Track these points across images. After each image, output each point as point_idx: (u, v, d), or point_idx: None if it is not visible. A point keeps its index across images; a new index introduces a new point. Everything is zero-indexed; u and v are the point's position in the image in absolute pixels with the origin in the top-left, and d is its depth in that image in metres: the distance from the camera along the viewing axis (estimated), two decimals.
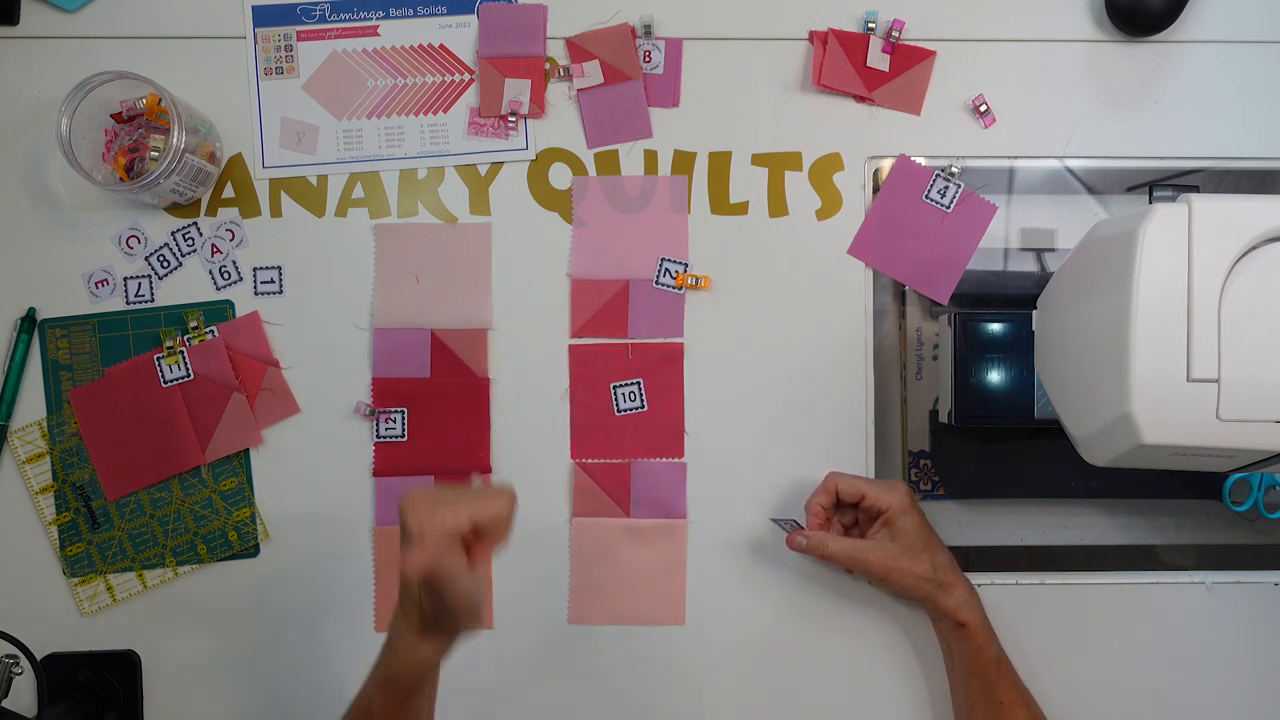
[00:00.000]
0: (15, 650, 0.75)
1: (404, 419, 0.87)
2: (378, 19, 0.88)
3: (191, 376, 0.87)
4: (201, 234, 0.88)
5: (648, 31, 0.87)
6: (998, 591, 0.86)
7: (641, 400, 0.88)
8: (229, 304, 0.88)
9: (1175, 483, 0.99)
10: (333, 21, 0.88)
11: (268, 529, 0.88)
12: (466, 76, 0.88)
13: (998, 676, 0.80)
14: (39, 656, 0.79)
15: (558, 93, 0.89)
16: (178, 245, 0.88)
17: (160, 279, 0.88)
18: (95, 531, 0.87)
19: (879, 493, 0.81)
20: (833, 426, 0.88)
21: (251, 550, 0.88)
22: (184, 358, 0.87)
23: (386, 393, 0.87)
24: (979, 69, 0.88)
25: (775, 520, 0.85)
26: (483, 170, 0.89)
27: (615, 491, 0.88)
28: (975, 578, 0.84)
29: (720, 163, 0.88)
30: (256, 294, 0.88)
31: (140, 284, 0.88)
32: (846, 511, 0.85)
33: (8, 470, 0.87)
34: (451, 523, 0.65)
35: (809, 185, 0.88)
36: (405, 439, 0.87)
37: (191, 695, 0.87)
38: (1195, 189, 0.71)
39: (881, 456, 0.92)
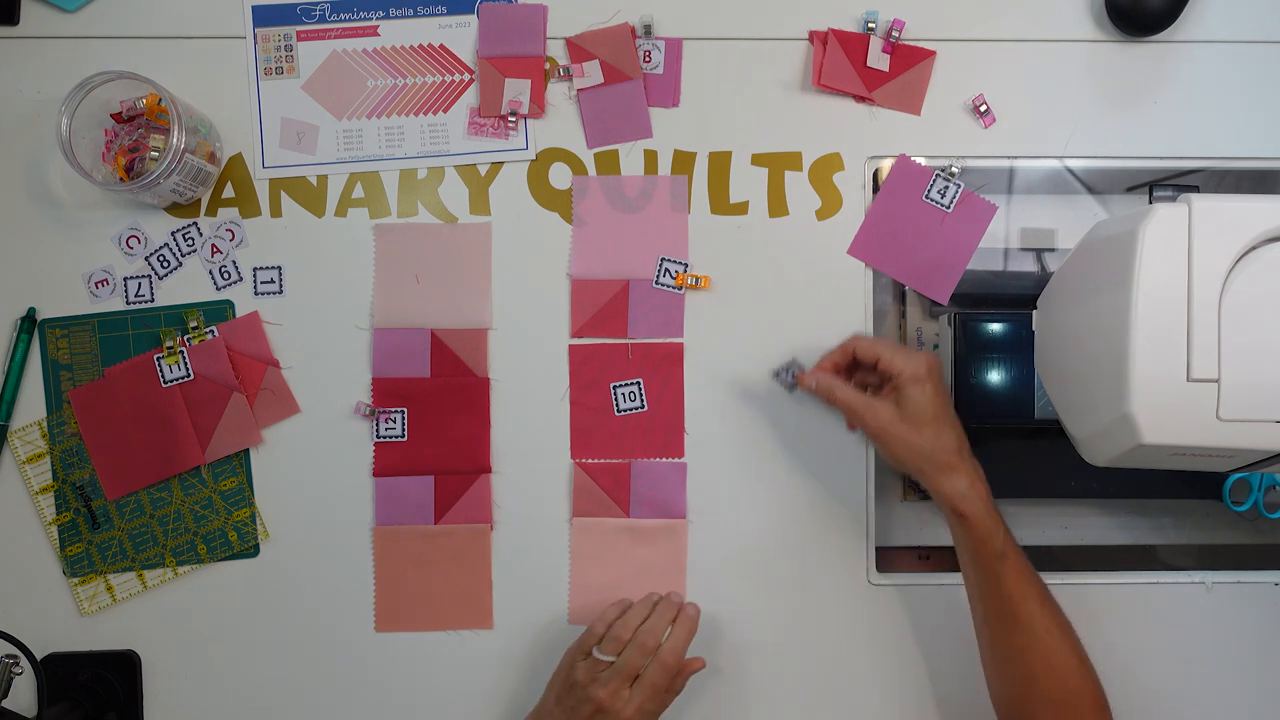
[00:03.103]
0: (15, 650, 0.75)
1: (404, 419, 0.87)
2: (378, 19, 0.88)
3: (191, 376, 0.87)
4: (201, 234, 0.88)
5: (648, 31, 0.87)
6: None
7: (641, 400, 0.88)
8: (229, 304, 0.88)
9: (1175, 483, 0.99)
10: (333, 21, 0.88)
11: (268, 529, 0.88)
12: (466, 76, 0.88)
13: (1004, 570, 0.76)
14: (39, 656, 0.79)
15: (558, 93, 0.89)
16: (178, 245, 0.88)
17: (160, 279, 0.88)
18: (95, 531, 0.87)
19: (895, 358, 0.78)
20: (833, 427, 0.88)
21: (251, 550, 0.88)
22: (184, 358, 0.87)
23: (386, 393, 0.88)
24: (979, 69, 0.88)
25: (776, 373, 0.84)
26: (483, 170, 0.89)
27: (615, 491, 0.88)
28: None
29: (720, 163, 0.88)
30: (256, 294, 0.88)
31: (140, 284, 0.88)
32: (869, 374, 0.82)
33: (8, 470, 0.87)
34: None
35: (809, 185, 0.88)
36: (405, 439, 0.87)
37: (191, 695, 0.87)
38: (1195, 189, 0.71)
39: (881, 456, 0.92)
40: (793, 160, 0.88)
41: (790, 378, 0.82)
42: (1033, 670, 0.75)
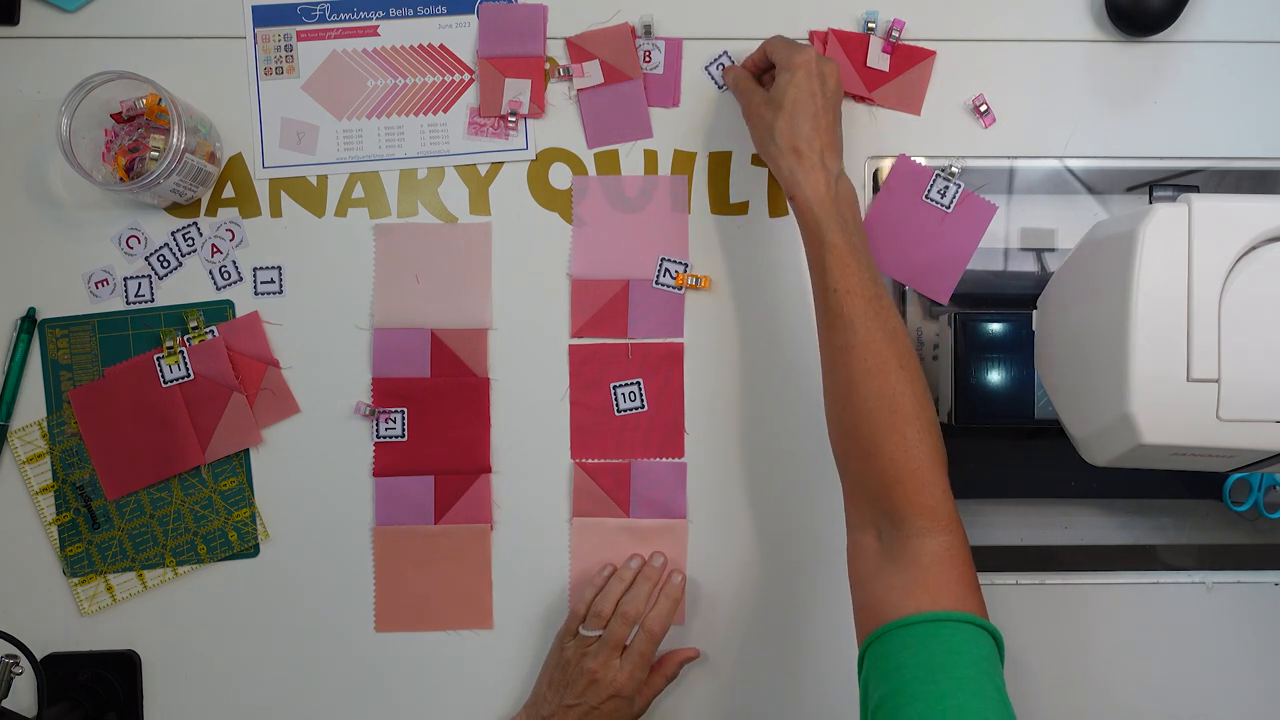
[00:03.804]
0: (15, 650, 0.75)
1: (404, 419, 0.87)
2: (378, 19, 0.88)
3: (191, 376, 0.87)
4: (201, 234, 0.88)
5: (648, 31, 0.87)
6: (998, 591, 0.86)
7: (641, 400, 0.88)
8: (229, 304, 0.88)
9: (1175, 483, 0.99)
10: (333, 21, 0.88)
11: (268, 529, 0.88)
12: (466, 76, 0.88)
13: (829, 261, 0.73)
14: (39, 656, 0.79)
15: (558, 93, 0.89)
16: (178, 245, 0.88)
17: (160, 279, 0.88)
18: (95, 531, 0.87)
19: (779, 50, 0.80)
20: None
21: (251, 550, 0.88)
22: (184, 358, 0.87)
23: (386, 393, 0.88)
24: (979, 69, 0.88)
25: (707, 68, 0.87)
26: (483, 170, 0.89)
27: (615, 491, 0.88)
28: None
29: (720, 163, 0.88)
30: (256, 294, 0.88)
31: (140, 284, 0.88)
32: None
33: (8, 470, 0.87)
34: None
35: None
36: (405, 439, 0.87)
37: (191, 695, 0.87)
38: (1195, 189, 0.71)
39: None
40: None
41: (720, 71, 0.86)
42: (852, 372, 0.72)
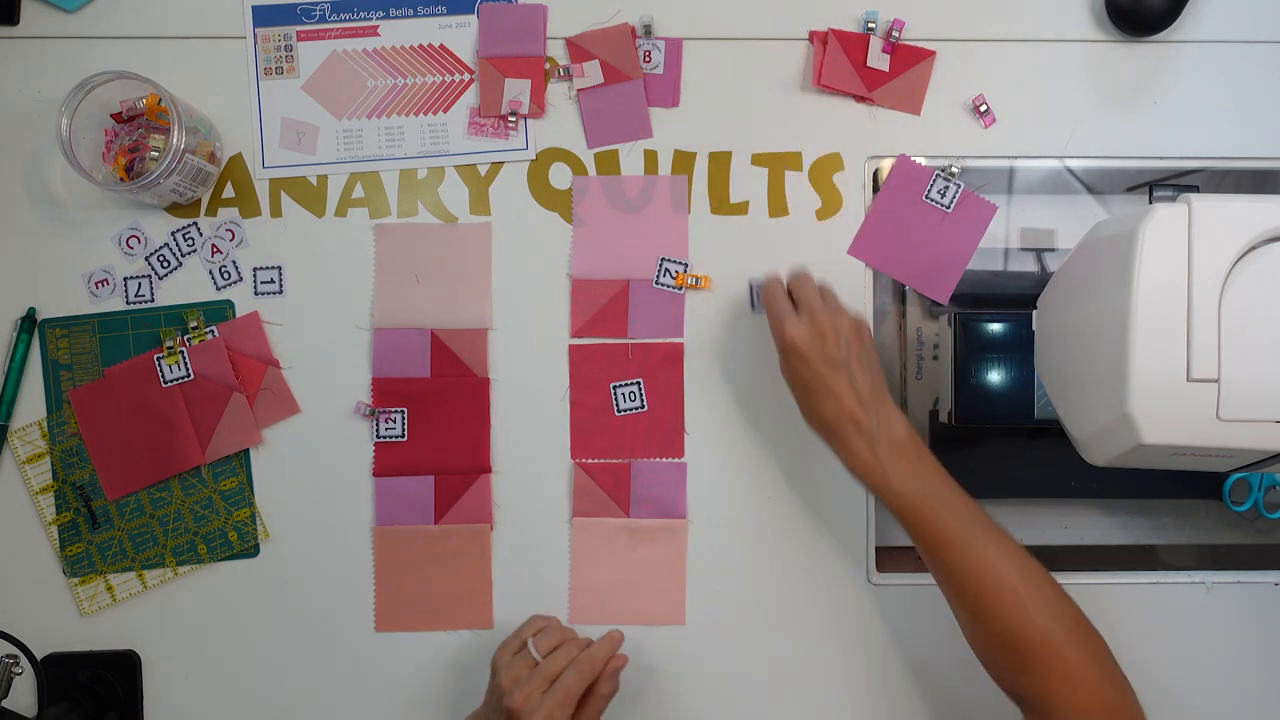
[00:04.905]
0: (15, 650, 0.75)
1: (404, 419, 0.87)
2: (378, 19, 0.88)
3: (191, 376, 0.87)
4: (201, 234, 0.88)
5: (648, 31, 0.87)
6: None
7: (641, 400, 0.88)
8: (229, 304, 0.88)
9: (1175, 483, 0.99)
10: (333, 21, 0.88)
11: (268, 529, 0.88)
12: (466, 76, 0.88)
13: (945, 554, 0.72)
14: (39, 656, 0.79)
15: (558, 93, 0.89)
16: (178, 245, 0.88)
17: (160, 279, 0.88)
18: (95, 531, 0.87)
19: (774, 322, 0.77)
20: None
21: (251, 550, 0.88)
22: (184, 358, 0.87)
23: (386, 393, 0.88)
24: (979, 69, 0.88)
25: (751, 284, 0.85)
26: (483, 170, 0.89)
27: (615, 491, 0.88)
28: None
29: (720, 163, 0.88)
30: (256, 294, 0.88)
31: (140, 284, 0.88)
32: None
33: (8, 470, 0.87)
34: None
35: (809, 185, 0.88)
36: (405, 439, 0.87)
37: (191, 695, 0.87)
38: (1195, 189, 0.71)
39: None
40: (793, 160, 0.88)
41: (757, 293, 0.84)
42: (970, 608, 0.72)
